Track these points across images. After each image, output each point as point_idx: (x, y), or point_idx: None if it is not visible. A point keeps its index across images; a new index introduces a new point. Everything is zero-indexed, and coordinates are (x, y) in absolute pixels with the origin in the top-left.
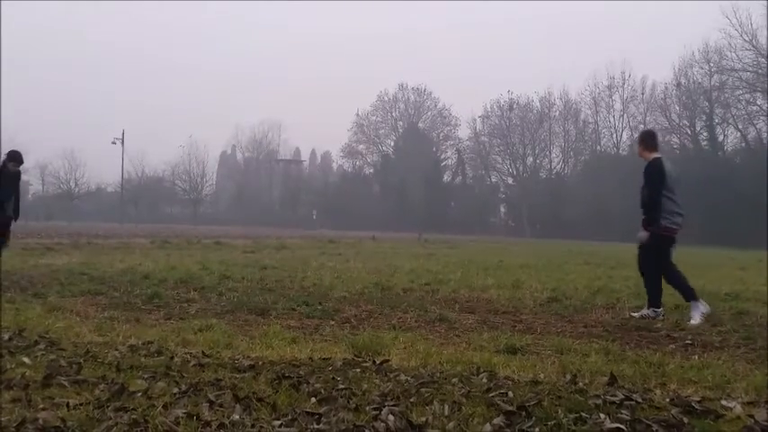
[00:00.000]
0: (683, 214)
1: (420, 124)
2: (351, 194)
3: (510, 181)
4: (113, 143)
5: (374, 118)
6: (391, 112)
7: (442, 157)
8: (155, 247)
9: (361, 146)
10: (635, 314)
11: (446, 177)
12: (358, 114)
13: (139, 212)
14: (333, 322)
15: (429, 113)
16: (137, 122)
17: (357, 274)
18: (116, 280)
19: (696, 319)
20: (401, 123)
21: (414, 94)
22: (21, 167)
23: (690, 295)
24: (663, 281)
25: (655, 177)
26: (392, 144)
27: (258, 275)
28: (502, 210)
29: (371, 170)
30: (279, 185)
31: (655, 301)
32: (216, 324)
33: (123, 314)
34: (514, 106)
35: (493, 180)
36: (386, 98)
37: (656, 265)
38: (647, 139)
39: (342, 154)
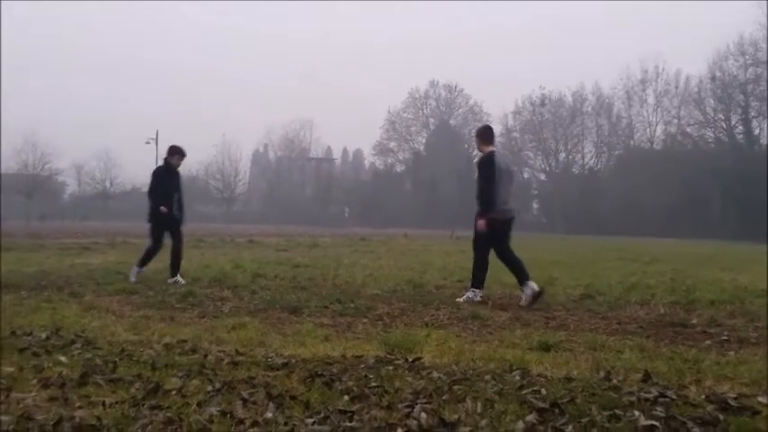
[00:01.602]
0: (510, 207)
1: (451, 121)
2: (382, 192)
3: (542, 177)
4: (147, 143)
5: (405, 115)
6: (422, 110)
7: (474, 153)
8: (188, 245)
9: (393, 143)
10: (458, 299)
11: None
12: (389, 112)
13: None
14: (365, 320)
15: (460, 110)
16: (170, 123)
17: (389, 271)
18: (151, 279)
19: (465, 297)
20: (432, 120)
21: (445, 91)
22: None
23: (477, 283)
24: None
25: (487, 170)
26: (423, 141)
27: (291, 273)
28: (534, 206)
29: (403, 167)
30: (311, 184)
31: (476, 282)
32: (249, 322)
33: (158, 313)
34: (546, 102)
35: (525, 176)
36: (417, 95)
37: (481, 247)
38: (485, 134)
39: (373, 151)
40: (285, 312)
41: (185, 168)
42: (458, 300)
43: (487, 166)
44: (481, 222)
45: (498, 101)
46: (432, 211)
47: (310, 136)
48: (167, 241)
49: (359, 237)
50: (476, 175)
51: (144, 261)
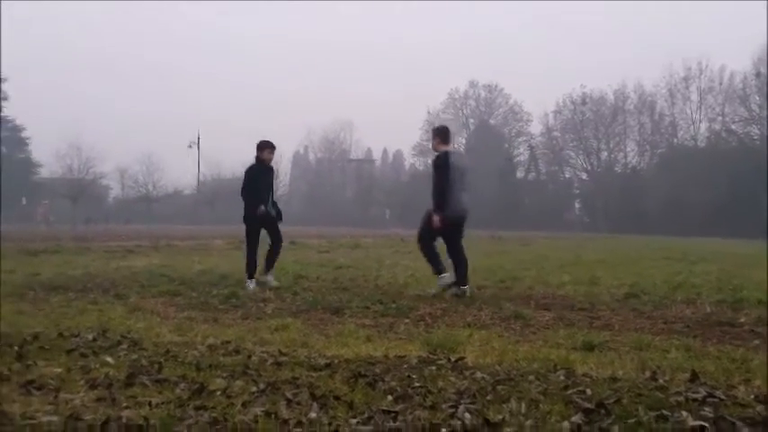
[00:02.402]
0: (464, 206)
1: (491, 121)
2: (423, 193)
3: (584, 176)
4: (190, 147)
5: (445, 116)
6: (462, 110)
7: (515, 153)
8: (231, 247)
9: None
10: (431, 291)
11: (519, 174)
12: (429, 113)
13: (216, 214)
14: (407, 320)
15: (500, 110)
16: (212, 125)
17: (430, 272)
18: (194, 281)
19: (436, 289)
20: (472, 121)
21: (485, 91)
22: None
23: (439, 268)
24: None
25: (442, 169)
26: (463, 141)
27: (332, 275)
28: (576, 205)
29: None
30: (351, 185)
31: (436, 268)
32: (292, 323)
33: (201, 314)
34: (587, 100)
35: (566, 176)
36: (456, 96)
37: (426, 238)
38: (442, 134)
39: (413, 152)
40: (327, 313)
41: (227, 170)
42: (431, 291)
43: (443, 165)
44: (436, 220)
45: (538, 100)
46: (472, 210)
47: (350, 137)
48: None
49: (399, 238)
50: (432, 174)
51: (250, 271)
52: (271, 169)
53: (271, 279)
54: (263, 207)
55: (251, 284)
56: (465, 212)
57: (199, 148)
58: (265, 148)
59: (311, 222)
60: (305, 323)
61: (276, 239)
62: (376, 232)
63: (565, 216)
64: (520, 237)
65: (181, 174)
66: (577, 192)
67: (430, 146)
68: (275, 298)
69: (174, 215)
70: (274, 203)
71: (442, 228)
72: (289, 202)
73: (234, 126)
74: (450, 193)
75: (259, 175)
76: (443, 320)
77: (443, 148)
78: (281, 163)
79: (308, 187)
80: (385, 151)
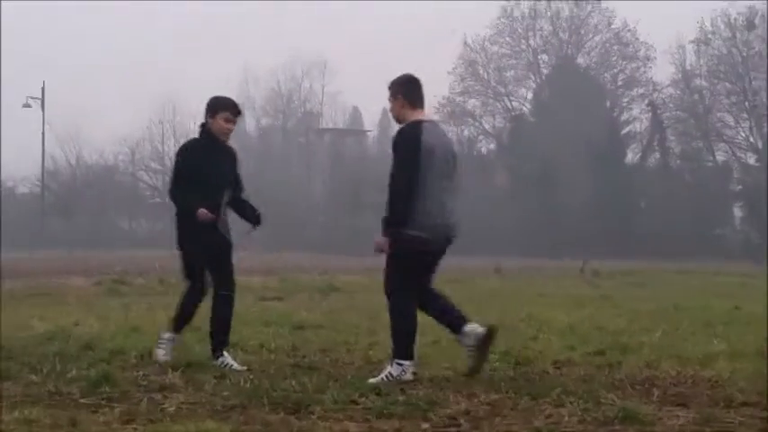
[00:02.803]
0: (450, 220)
1: (580, 59)
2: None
3: (752, 160)
4: (27, 106)
5: (496, 48)
6: (527, 39)
7: (623, 118)
8: (101, 291)
9: (473, 100)
10: (372, 380)
11: (631, 155)
12: (466, 43)
13: (75, 229)
14: (426, 425)
15: (598, 38)
16: (69, 71)
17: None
18: (34, 353)
19: (384, 374)
20: (545, 58)
21: (568, 5)
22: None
23: (401, 351)
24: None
25: (407, 153)
26: (530, 96)
27: (289, 341)
28: (736, 212)
29: (492, 145)
30: (323, 175)
31: (400, 349)
32: (215, 431)
33: (49, 413)
34: (757, 21)
35: (719, 159)
36: (516, 14)
37: (399, 290)
38: (407, 90)
39: (437, 116)
40: (279, 411)
41: (94, 150)
42: (371, 381)
43: (408, 146)
44: (381, 242)
45: (666, 22)
46: (545, 223)
47: (322, 91)
48: None
49: None
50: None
51: (176, 323)
52: (228, 150)
53: (228, 359)
54: (205, 213)
55: (166, 345)
56: (452, 232)
57: (44, 110)
58: (221, 110)
59: (250, 244)
60: (238, 431)
61: (224, 283)
62: (368, 263)
63: (716, 232)
64: (631, 270)
65: (10, 157)
66: (739, 188)
67: (390, 113)
68: (185, 384)
69: None
70: (240, 205)
71: (414, 258)
72: None
73: (109, 73)
74: (423, 196)
75: (206, 159)
76: (492, 425)
77: (412, 115)
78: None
79: (244, 180)
80: (385, 114)
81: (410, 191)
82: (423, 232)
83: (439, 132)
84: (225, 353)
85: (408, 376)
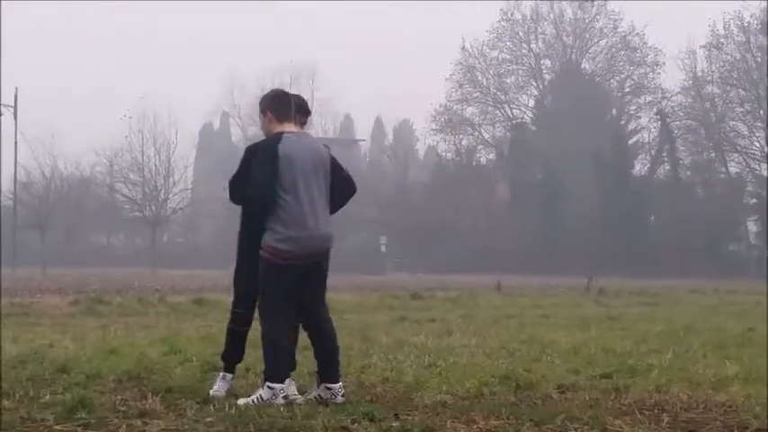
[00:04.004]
0: (320, 230)
1: (585, 64)
2: (452, 202)
3: (767, 172)
4: None
5: (496, 53)
6: (528, 43)
7: (631, 126)
8: (77, 311)
9: (472, 108)
10: (241, 401)
11: (638, 166)
12: (464, 47)
13: (51, 246)
14: None
15: (603, 42)
16: (40, 79)
17: (468, 358)
18: (6, 376)
19: (247, 399)
20: (549, 63)
21: (573, 7)
22: None
23: (273, 373)
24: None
25: (253, 161)
26: (531, 103)
27: None
28: (751, 227)
29: (492, 154)
30: None
31: (270, 371)
32: None
33: None
34: None
35: (732, 170)
36: (517, 16)
37: (269, 310)
38: (273, 104)
39: (434, 124)
40: None
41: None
42: (239, 402)
43: (263, 158)
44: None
45: (676, 24)
46: (548, 238)
47: (311, 96)
48: None
49: (408, 291)
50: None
51: (278, 367)
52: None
53: (291, 389)
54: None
55: (224, 385)
56: (318, 243)
57: (16, 118)
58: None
59: (229, 258)
60: None
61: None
62: (361, 280)
63: (729, 248)
64: (639, 288)
65: None
66: (754, 201)
67: (261, 130)
68: (165, 409)
69: None
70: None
71: (274, 271)
72: (192, 220)
73: (86, 80)
74: (281, 207)
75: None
76: None
77: (278, 129)
78: (178, 145)
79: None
80: (379, 123)
81: (266, 201)
82: (281, 244)
83: (304, 143)
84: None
85: (279, 400)
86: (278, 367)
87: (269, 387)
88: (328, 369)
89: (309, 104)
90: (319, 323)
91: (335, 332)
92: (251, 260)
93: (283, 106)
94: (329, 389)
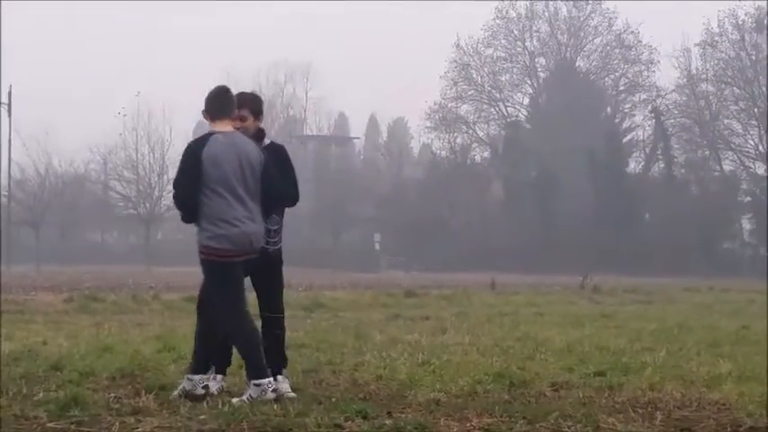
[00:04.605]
0: (246, 227)
1: (579, 62)
2: (446, 200)
3: (761, 170)
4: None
5: (490, 51)
6: (523, 41)
7: (625, 125)
8: (72, 308)
9: (466, 106)
10: (234, 400)
11: (633, 164)
12: (458, 45)
13: (46, 244)
14: None
15: (598, 41)
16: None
17: (462, 356)
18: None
19: (240, 399)
20: (543, 61)
21: (567, 5)
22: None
23: (197, 363)
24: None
25: (182, 164)
26: (526, 101)
27: None
28: (745, 225)
29: (486, 153)
30: (307, 185)
31: (252, 369)
32: None
33: None
34: (767, 21)
35: (726, 168)
36: (512, 14)
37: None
38: (212, 102)
39: (428, 123)
40: None
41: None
42: (233, 401)
43: (186, 158)
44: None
45: (670, 23)
46: (542, 236)
47: (306, 95)
48: None
49: (402, 289)
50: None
51: (218, 360)
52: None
53: (284, 386)
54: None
55: (213, 384)
56: (245, 241)
57: (10, 115)
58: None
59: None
60: None
61: (272, 303)
62: (355, 278)
63: (723, 245)
64: (635, 286)
65: None
66: (748, 200)
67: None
68: (159, 407)
69: None
70: (270, 220)
71: (214, 268)
72: (176, 217)
73: (81, 77)
74: (207, 206)
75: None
76: None
77: (211, 126)
78: (173, 143)
79: None
80: (373, 120)
81: (186, 201)
82: (214, 242)
83: (233, 141)
84: (282, 379)
85: (269, 395)
86: (258, 363)
87: (255, 385)
88: (247, 367)
89: (303, 102)
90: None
91: (255, 333)
92: None
93: (214, 106)
94: (258, 385)
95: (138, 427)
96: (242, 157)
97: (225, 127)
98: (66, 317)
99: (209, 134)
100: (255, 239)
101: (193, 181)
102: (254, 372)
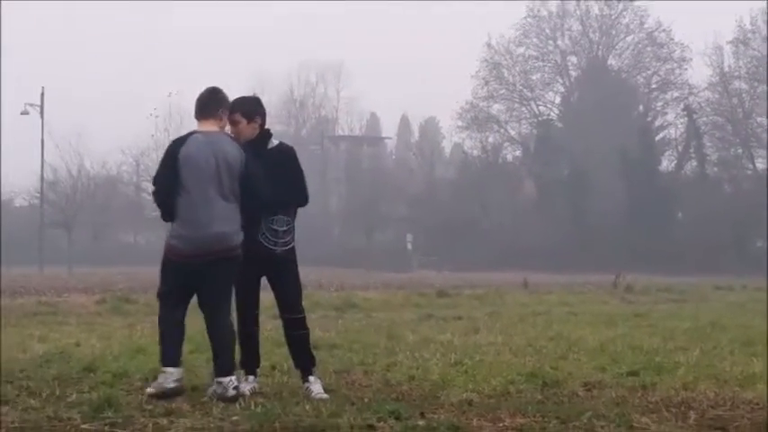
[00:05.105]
0: (197, 233)
1: (611, 61)
2: (478, 199)
3: None
4: (24, 114)
5: (522, 50)
6: (554, 40)
7: (658, 123)
8: (105, 309)
9: (498, 105)
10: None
11: (665, 163)
12: (490, 44)
13: (78, 244)
14: None
15: (630, 39)
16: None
17: (494, 356)
18: (33, 375)
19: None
20: (575, 60)
21: (598, 4)
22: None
23: (164, 356)
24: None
25: (160, 164)
26: (558, 100)
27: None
28: None
29: (518, 152)
30: (339, 185)
31: (162, 355)
32: None
33: None
34: None
35: (759, 167)
36: (543, 13)
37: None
38: (195, 105)
39: (460, 122)
40: None
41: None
42: (148, 391)
43: (163, 158)
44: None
45: (703, 22)
46: (574, 235)
47: (337, 96)
48: None
49: (434, 289)
50: None
51: (245, 359)
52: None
53: (316, 387)
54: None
55: (245, 385)
56: (209, 243)
57: (42, 116)
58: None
59: None
60: None
61: (289, 304)
62: (387, 278)
63: (757, 244)
64: (667, 285)
65: (8, 167)
66: None
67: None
68: (192, 408)
69: None
70: (276, 220)
71: (171, 267)
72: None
73: (112, 79)
74: (178, 205)
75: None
76: None
77: (199, 126)
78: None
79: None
80: (404, 121)
81: (164, 200)
82: (173, 240)
83: (210, 140)
84: (312, 379)
85: (170, 384)
86: (164, 350)
87: (217, 382)
88: (217, 364)
89: (335, 102)
90: (212, 326)
91: (229, 331)
92: None
93: (198, 106)
94: (219, 383)
95: (170, 429)
96: (219, 156)
97: (209, 127)
98: (98, 318)
99: (191, 133)
100: (219, 240)
101: (170, 180)
102: (162, 357)
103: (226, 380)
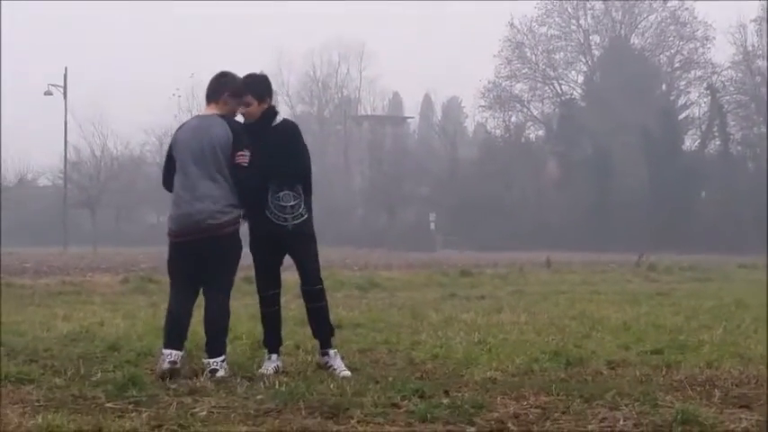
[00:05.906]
0: (181, 212)
1: (635, 39)
2: (501, 179)
3: None
4: (48, 94)
5: (544, 29)
6: (577, 19)
7: (681, 102)
8: (128, 289)
9: (520, 84)
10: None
11: (689, 142)
12: (512, 24)
13: (101, 225)
14: (472, 429)
15: (653, 17)
16: (89, 57)
17: (518, 335)
18: (58, 355)
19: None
20: (597, 39)
21: None
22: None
23: (166, 339)
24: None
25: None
26: (580, 79)
27: None
28: None
29: (541, 131)
30: (362, 164)
31: (164, 338)
32: None
33: (73, 418)
34: None
35: None
36: None
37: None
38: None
39: (483, 102)
40: (316, 416)
41: (120, 141)
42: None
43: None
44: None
45: (726, 1)
46: (597, 214)
47: (360, 75)
48: None
49: (457, 268)
50: None
51: (268, 340)
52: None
53: (337, 362)
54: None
55: (269, 364)
56: (189, 221)
57: (66, 97)
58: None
59: None
60: None
61: (306, 276)
62: (410, 257)
63: None
64: (690, 263)
65: (32, 147)
66: None
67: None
68: (216, 387)
69: (17, 227)
70: (283, 196)
71: (170, 249)
72: None
73: (135, 58)
74: (173, 187)
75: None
76: (542, 431)
77: (206, 110)
78: None
79: None
80: (427, 100)
81: (166, 180)
82: (168, 221)
83: (200, 124)
84: (331, 353)
85: (165, 365)
86: (167, 335)
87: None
88: (207, 345)
89: (357, 82)
90: (205, 307)
91: (218, 313)
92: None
93: (206, 92)
94: (208, 363)
95: (195, 408)
96: (203, 138)
97: (210, 110)
98: (122, 298)
99: (189, 120)
100: (202, 217)
101: (169, 163)
102: (164, 340)
103: (212, 360)
